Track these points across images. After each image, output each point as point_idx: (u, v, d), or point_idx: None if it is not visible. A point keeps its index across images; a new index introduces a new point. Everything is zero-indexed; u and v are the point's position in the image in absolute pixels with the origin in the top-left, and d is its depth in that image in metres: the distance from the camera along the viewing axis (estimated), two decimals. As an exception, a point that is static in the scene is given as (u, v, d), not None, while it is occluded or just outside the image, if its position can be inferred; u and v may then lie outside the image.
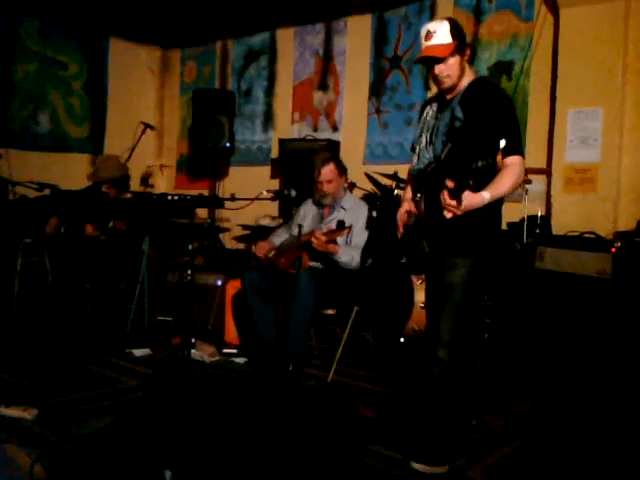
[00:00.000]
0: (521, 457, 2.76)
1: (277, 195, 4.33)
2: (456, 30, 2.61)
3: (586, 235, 4.16)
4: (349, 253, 3.70)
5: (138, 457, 2.13)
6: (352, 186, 4.89)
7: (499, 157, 2.41)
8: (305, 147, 6.00)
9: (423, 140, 2.73)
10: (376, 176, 5.16)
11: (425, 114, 2.80)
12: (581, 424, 3.14)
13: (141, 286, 4.67)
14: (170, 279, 5.01)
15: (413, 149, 2.84)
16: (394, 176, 4.92)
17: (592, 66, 4.58)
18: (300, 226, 4.02)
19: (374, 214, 4.31)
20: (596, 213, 4.52)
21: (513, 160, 2.53)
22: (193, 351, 3.94)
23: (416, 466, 2.59)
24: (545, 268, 4.00)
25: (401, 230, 2.80)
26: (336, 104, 6.46)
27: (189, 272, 3.60)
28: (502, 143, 2.35)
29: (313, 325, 3.98)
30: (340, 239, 3.69)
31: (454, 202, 2.34)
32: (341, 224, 3.59)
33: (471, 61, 2.67)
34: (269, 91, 7.03)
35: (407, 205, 2.80)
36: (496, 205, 2.59)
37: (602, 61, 4.54)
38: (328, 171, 3.86)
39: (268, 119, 7.04)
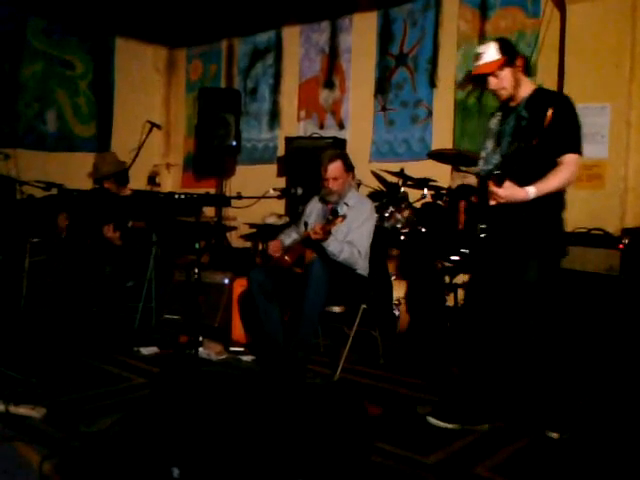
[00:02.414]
0: (530, 454, 2.75)
1: (283, 193, 4.33)
2: (504, 47, 2.88)
3: (594, 232, 4.14)
4: (339, 245, 3.67)
5: (146, 455, 2.14)
6: (358, 184, 4.89)
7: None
8: (311, 145, 6.00)
9: (489, 146, 3.02)
10: (382, 174, 5.16)
11: (490, 123, 3.09)
12: (590, 421, 3.13)
13: (149, 284, 4.68)
14: (177, 277, 5.01)
15: (480, 156, 3.10)
16: (401, 173, 4.92)
17: (599, 62, 4.56)
18: (306, 224, 4.02)
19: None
20: (603, 209, 4.50)
21: (568, 159, 2.75)
22: (200, 349, 3.95)
23: (430, 419, 2.99)
24: (552, 265, 3.98)
25: (462, 223, 3.07)
26: (342, 102, 6.46)
27: (196, 270, 3.61)
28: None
29: (320, 322, 3.98)
30: (337, 230, 3.65)
31: (496, 189, 2.66)
32: (335, 212, 3.57)
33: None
34: (275, 89, 7.04)
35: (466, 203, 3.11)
36: (558, 208, 2.87)
37: (609, 57, 4.52)
38: (334, 168, 3.84)
39: (274, 117, 7.05)
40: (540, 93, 2.92)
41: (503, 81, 2.88)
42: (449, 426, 2.97)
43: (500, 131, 2.97)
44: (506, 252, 2.89)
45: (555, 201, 2.85)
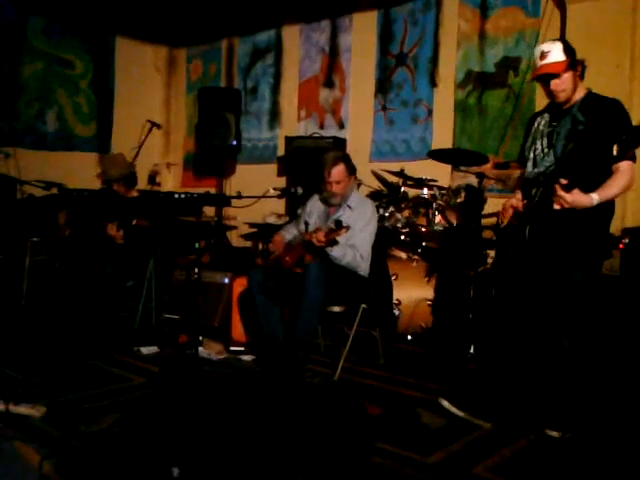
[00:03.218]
0: (530, 454, 2.75)
1: (283, 193, 4.32)
2: (568, 49, 2.89)
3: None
4: (342, 249, 3.66)
5: (146, 454, 2.14)
6: (358, 184, 4.88)
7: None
8: (311, 145, 6.00)
9: (539, 147, 3.00)
10: (383, 173, 5.16)
11: (537, 124, 3.07)
12: (590, 420, 3.12)
13: (149, 284, 4.68)
14: (177, 277, 5.01)
15: (523, 157, 3.10)
16: (401, 173, 4.92)
17: (599, 62, 4.54)
18: (306, 223, 4.02)
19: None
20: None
21: (626, 166, 2.76)
22: (200, 349, 3.95)
23: (441, 401, 3.13)
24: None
25: (505, 222, 3.05)
26: (342, 101, 6.45)
27: (196, 270, 3.60)
28: (614, 151, 2.58)
29: (320, 322, 3.98)
30: (340, 238, 3.64)
31: (564, 194, 2.65)
32: (339, 224, 3.57)
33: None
34: (275, 89, 7.04)
35: (514, 201, 3.03)
36: (610, 213, 2.89)
37: (609, 57, 4.51)
38: (337, 172, 3.83)
39: (274, 117, 7.04)
40: (593, 97, 2.92)
41: (564, 83, 2.87)
42: (459, 413, 3.06)
43: (552, 132, 2.95)
44: (554, 252, 2.90)
45: (609, 206, 2.86)
